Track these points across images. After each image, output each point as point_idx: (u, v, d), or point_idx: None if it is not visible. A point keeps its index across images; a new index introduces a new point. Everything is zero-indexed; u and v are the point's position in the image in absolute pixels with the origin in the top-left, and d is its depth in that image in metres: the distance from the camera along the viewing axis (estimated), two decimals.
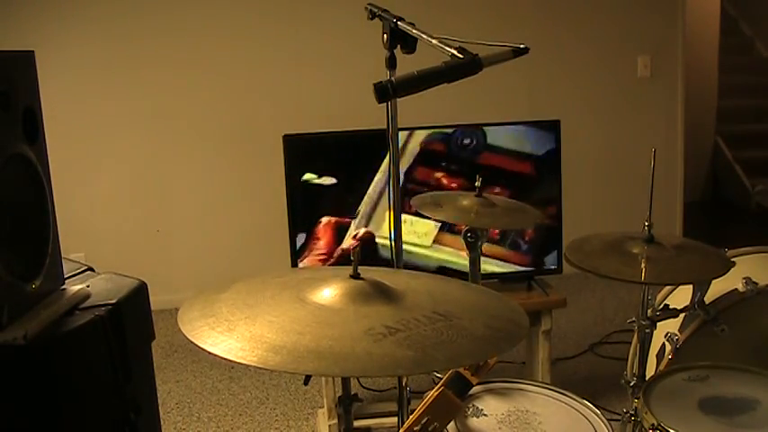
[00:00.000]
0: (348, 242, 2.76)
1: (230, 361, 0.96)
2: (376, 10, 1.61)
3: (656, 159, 1.84)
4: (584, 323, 3.87)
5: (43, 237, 1.39)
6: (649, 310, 1.90)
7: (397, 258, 1.72)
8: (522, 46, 1.40)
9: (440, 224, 2.76)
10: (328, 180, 2.74)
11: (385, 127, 1.64)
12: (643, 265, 1.70)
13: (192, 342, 1.02)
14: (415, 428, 1.19)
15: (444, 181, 2.81)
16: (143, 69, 4.22)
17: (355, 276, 1.14)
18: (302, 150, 2.75)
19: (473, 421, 1.52)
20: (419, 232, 2.77)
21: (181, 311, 1.11)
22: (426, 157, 2.81)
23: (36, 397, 1.23)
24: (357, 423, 2.77)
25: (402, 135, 2.75)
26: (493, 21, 4.47)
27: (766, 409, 1.57)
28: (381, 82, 1.35)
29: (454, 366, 1.34)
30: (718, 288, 2.06)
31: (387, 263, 1.78)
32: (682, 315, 2.03)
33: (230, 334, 1.01)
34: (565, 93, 4.61)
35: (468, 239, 2.00)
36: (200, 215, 4.40)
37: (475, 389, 1.57)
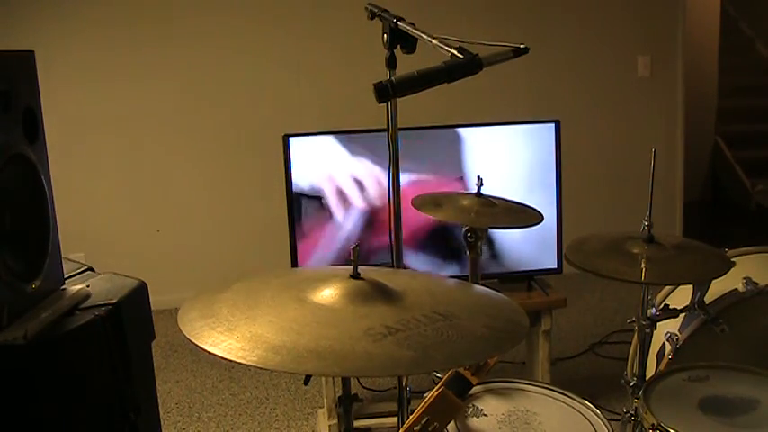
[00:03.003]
0: None
1: (230, 361, 0.96)
2: (376, 10, 1.61)
3: (656, 159, 1.84)
4: (584, 323, 3.87)
5: (43, 237, 1.39)
6: (649, 310, 1.90)
7: (397, 258, 1.72)
8: (522, 46, 1.40)
9: None
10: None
11: (385, 127, 1.64)
12: (643, 265, 1.70)
13: (192, 342, 1.02)
14: (415, 428, 1.18)
15: None
16: (143, 69, 4.22)
17: (355, 276, 1.14)
18: (302, 150, 2.75)
19: (473, 421, 1.52)
20: None
21: (181, 311, 1.11)
22: None
23: (36, 397, 1.23)
24: (357, 423, 2.77)
25: None
26: (493, 21, 4.47)
27: (766, 409, 1.57)
28: (381, 82, 1.35)
29: (454, 366, 1.34)
30: (718, 288, 2.06)
31: None
32: (682, 315, 2.03)
33: (230, 334, 1.01)
34: (565, 93, 4.61)
35: (468, 239, 2.00)
36: (200, 215, 4.40)
37: (475, 389, 1.57)
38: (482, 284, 1.49)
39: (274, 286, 1.19)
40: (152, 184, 4.34)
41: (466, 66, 1.35)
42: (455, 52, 1.37)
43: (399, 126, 1.64)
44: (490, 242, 2.82)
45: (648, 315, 1.89)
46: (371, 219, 2.77)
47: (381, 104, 1.44)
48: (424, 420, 1.19)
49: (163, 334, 3.75)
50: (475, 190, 2.07)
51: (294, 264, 2.76)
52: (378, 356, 0.96)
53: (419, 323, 1.05)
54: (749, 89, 6.88)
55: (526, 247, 2.88)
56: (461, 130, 2.84)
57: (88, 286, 1.47)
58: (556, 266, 2.89)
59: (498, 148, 2.87)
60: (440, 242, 2.82)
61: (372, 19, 1.62)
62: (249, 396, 3.20)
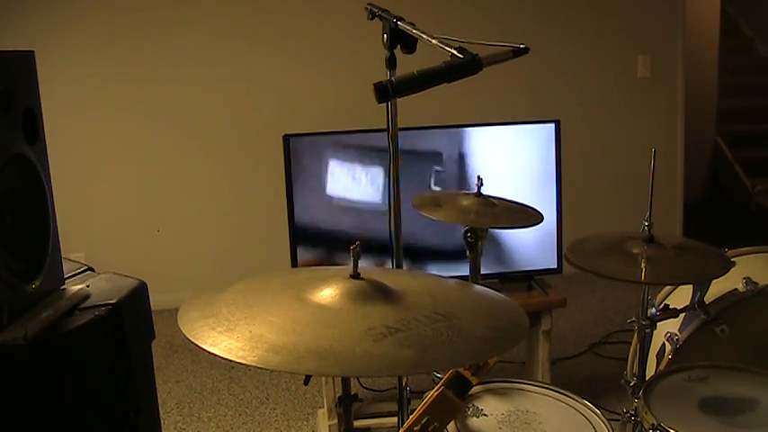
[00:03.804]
0: None
1: (230, 361, 0.96)
2: (376, 10, 1.61)
3: (656, 159, 1.84)
4: (584, 323, 3.87)
5: (43, 237, 1.39)
6: (649, 310, 1.90)
7: (397, 258, 1.72)
8: (522, 46, 1.39)
9: None
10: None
11: (385, 127, 1.64)
12: (643, 265, 1.70)
13: (192, 342, 1.02)
14: (415, 428, 1.18)
15: None
16: (143, 69, 4.22)
17: (355, 276, 1.14)
18: (302, 150, 2.75)
19: (473, 421, 1.52)
20: None
21: (181, 311, 1.10)
22: None
23: (36, 397, 1.23)
24: (357, 423, 2.77)
25: None
26: (493, 21, 4.47)
27: (766, 409, 1.57)
28: (381, 82, 1.35)
29: (454, 366, 1.34)
30: (718, 288, 2.06)
31: None
32: (682, 315, 2.03)
33: (230, 334, 1.01)
34: (565, 93, 4.61)
35: (468, 239, 2.00)
36: (200, 215, 4.40)
37: (475, 389, 1.57)
38: (482, 284, 1.49)
39: (274, 286, 1.19)
40: (152, 183, 4.34)
41: (466, 66, 1.35)
42: (455, 52, 1.37)
43: (399, 126, 1.64)
44: (496, 242, 2.82)
45: (648, 315, 1.89)
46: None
47: (381, 104, 1.44)
48: (424, 420, 1.19)
49: (163, 334, 3.75)
50: (475, 190, 2.07)
51: (294, 264, 2.77)
52: (378, 356, 0.96)
53: (419, 323, 1.05)
54: (749, 89, 6.88)
55: (526, 247, 2.88)
56: (461, 130, 2.85)
57: (88, 286, 1.47)
58: (556, 266, 2.89)
59: (498, 148, 2.87)
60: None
61: (372, 19, 1.62)
62: (249, 396, 3.20)
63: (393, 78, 1.38)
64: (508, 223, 2.14)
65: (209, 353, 0.99)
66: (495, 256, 2.86)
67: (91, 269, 1.60)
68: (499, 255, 2.87)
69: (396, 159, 1.65)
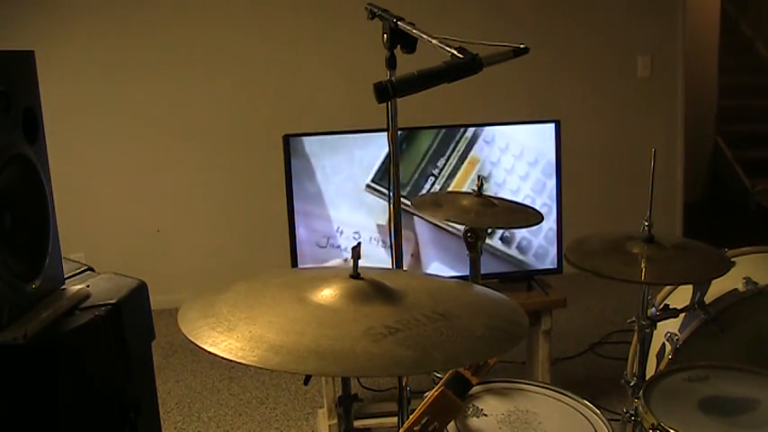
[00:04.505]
0: None
1: (230, 361, 0.96)
2: (376, 10, 1.61)
3: (656, 159, 1.84)
4: (584, 323, 3.87)
5: (43, 237, 1.39)
6: (649, 310, 1.90)
7: (397, 258, 1.72)
8: (522, 46, 1.40)
9: None
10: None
11: (385, 127, 1.64)
12: (643, 265, 1.70)
13: (192, 342, 1.02)
14: (415, 428, 1.18)
15: None
16: (143, 69, 4.22)
17: (355, 276, 1.14)
18: (302, 150, 2.75)
19: (473, 421, 1.52)
20: None
21: (181, 311, 1.10)
22: None
23: (36, 397, 1.23)
24: (357, 423, 2.77)
25: None
26: (493, 21, 4.47)
27: (766, 409, 1.57)
28: (381, 82, 1.35)
29: (454, 366, 1.34)
30: (718, 288, 2.06)
31: None
32: (682, 315, 2.03)
33: (230, 334, 1.01)
34: (565, 93, 4.61)
35: (468, 239, 2.00)
36: (199, 215, 4.40)
37: (475, 389, 1.57)
38: (482, 284, 1.49)
39: (274, 286, 1.19)
40: (152, 183, 4.34)
41: (466, 66, 1.35)
42: (455, 52, 1.37)
43: (399, 126, 1.64)
44: (496, 242, 2.82)
45: (648, 315, 1.89)
46: None
47: (381, 104, 1.44)
48: (424, 420, 1.19)
49: (163, 334, 3.75)
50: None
51: (294, 264, 2.77)
52: (378, 356, 0.96)
53: (419, 323, 1.05)
54: (749, 89, 6.88)
55: (526, 247, 2.88)
56: (461, 131, 2.84)
57: (88, 286, 1.47)
58: (556, 266, 2.89)
59: (498, 147, 2.87)
60: None
61: (372, 19, 1.62)
62: (249, 396, 3.20)
63: (393, 78, 1.38)
64: (508, 223, 2.14)
65: (209, 353, 0.99)
66: (496, 256, 2.86)
67: (91, 269, 1.61)
68: (499, 255, 2.87)
69: (396, 159, 1.65)
